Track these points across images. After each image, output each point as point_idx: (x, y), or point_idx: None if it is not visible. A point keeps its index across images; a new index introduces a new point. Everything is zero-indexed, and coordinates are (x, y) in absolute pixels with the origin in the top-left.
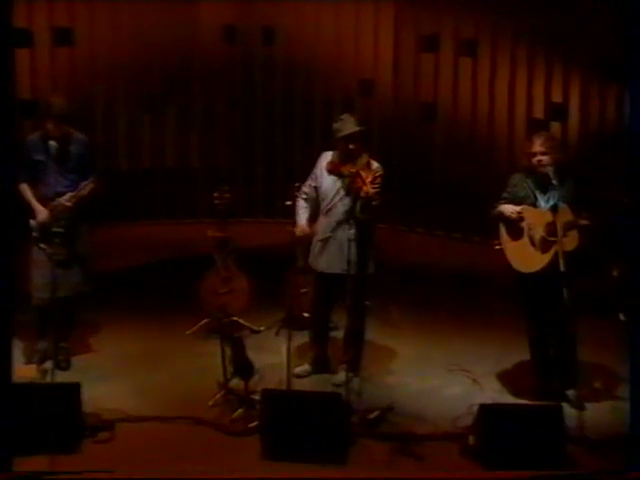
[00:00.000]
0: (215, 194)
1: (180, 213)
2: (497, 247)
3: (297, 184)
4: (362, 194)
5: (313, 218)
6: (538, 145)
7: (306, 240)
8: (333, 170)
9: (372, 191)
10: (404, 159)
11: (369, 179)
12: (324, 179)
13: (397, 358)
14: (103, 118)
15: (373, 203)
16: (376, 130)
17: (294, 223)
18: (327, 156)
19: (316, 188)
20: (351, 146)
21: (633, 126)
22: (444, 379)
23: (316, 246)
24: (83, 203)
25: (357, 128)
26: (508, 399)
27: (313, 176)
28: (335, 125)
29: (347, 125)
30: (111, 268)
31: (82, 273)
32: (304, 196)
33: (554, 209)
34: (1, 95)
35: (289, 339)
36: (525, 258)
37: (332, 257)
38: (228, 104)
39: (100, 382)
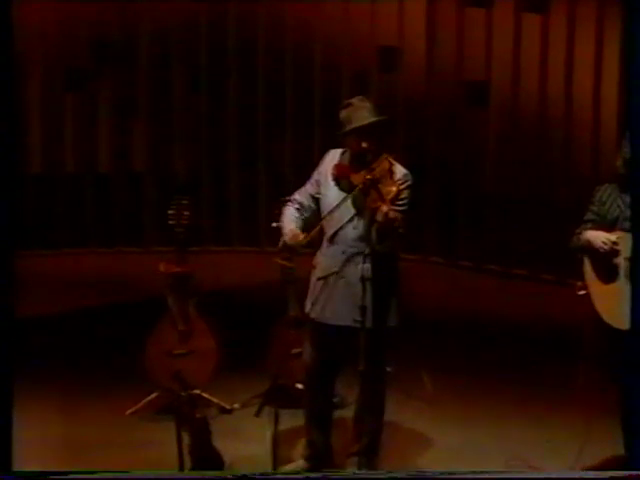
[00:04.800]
0: (170, 211)
1: (120, 239)
2: (581, 292)
3: (287, 198)
4: (380, 218)
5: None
6: None
7: (296, 249)
8: (340, 177)
9: (394, 214)
10: (443, 161)
11: (390, 195)
12: (329, 189)
13: (432, 447)
14: None
15: (396, 231)
16: (402, 120)
17: (284, 251)
18: (336, 155)
19: (317, 199)
20: (364, 144)
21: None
22: (502, 477)
23: (316, 287)
24: None
25: (374, 118)
26: None
27: (313, 181)
28: (342, 113)
29: (359, 113)
30: (22, 316)
31: None
32: (296, 205)
33: None
34: None
35: (275, 421)
36: (621, 308)
37: (338, 302)
38: (189, 83)
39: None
